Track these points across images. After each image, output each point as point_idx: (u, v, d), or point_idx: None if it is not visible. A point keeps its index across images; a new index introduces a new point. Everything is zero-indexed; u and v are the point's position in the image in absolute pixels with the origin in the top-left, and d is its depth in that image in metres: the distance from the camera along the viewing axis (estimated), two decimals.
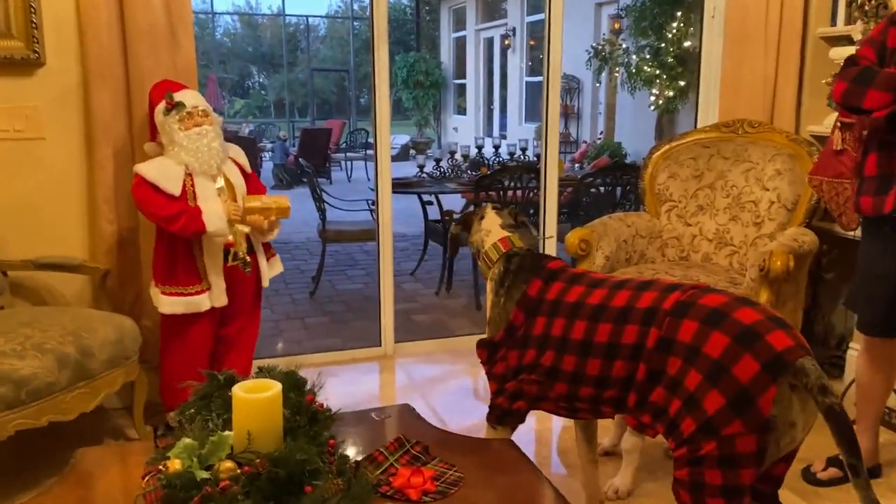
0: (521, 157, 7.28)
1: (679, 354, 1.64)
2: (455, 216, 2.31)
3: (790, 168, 3.27)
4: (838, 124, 2.71)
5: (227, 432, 1.34)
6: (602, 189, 5.85)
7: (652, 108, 8.31)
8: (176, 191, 2.68)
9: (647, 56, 8.16)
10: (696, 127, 3.93)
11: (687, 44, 7.75)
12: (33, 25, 2.85)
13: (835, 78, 3.29)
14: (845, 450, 1.51)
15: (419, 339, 4.12)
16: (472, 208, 2.34)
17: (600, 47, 9.23)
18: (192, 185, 2.72)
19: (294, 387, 1.55)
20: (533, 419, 3.25)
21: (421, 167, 6.34)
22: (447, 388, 3.56)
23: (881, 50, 2.31)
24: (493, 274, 2.11)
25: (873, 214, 2.32)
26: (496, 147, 7.07)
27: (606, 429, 2.79)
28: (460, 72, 16.27)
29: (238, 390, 1.37)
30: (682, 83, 7.77)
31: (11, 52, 2.84)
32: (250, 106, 20.30)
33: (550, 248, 4.06)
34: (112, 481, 1.63)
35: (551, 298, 1.93)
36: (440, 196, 5.85)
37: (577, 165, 8.78)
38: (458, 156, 6.64)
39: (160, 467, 1.29)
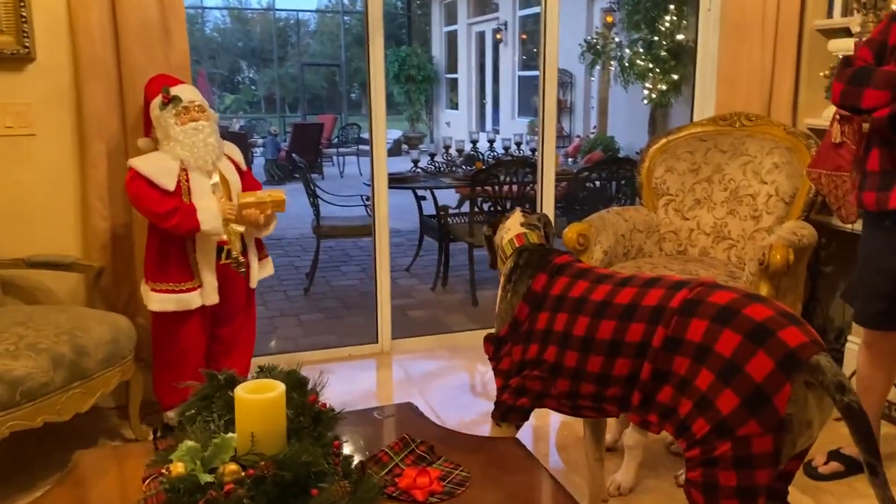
0: (517, 151, 7.26)
1: (687, 354, 1.60)
2: (487, 222, 2.31)
3: (788, 161, 3.26)
4: (837, 117, 2.70)
5: (230, 434, 1.31)
6: (597, 183, 5.84)
7: (645, 101, 8.30)
8: (170, 186, 2.65)
9: (640, 50, 8.14)
10: (691, 120, 3.92)
11: (680, 37, 7.73)
12: (23, 20, 2.81)
13: (832, 73, 3.30)
14: (864, 448, 1.48)
15: (415, 335, 4.09)
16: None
17: (593, 41, 9.20)
18: (187, 181, 2.70)
19: (296, 386, 1.52)
20: (532, 416, 3.23)
21: (415, 162, 6.31)
22: (445, 384, 3.54)
23: (880, 49, 2.31)
24: (505, 269, 2.10)
25: (877, 209, 2.32)
26: (491, 142, 7.04)
27: (609, 425, 2.77)
28: (452, 66, 16.22)
29: (241, 391, 1.35)
30: (675, 77, 7.76)
31: (1, 48, 2.80)
32: (240, 101, 20.18)
33: None
34: (111, 484, 1.60)
35: (555, 294, 1.91)
36: (434, 191, 5.83)
37: (570, 160, 8.77)
38: (452, 150, 6.61)
39: (162, 470, 1.26)
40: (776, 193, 3.25)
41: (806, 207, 3.20)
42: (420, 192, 5.83)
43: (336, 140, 14.06)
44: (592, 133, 10.30)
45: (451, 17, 16.08)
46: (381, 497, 1.38)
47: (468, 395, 3.46)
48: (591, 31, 9.86)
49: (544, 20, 3.80)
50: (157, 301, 2.73)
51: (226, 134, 8.05)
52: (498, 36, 13.60)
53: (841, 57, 3.22)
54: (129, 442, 2.88)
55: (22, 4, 2.80)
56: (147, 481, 1.45)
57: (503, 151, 7.26)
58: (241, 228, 2.77)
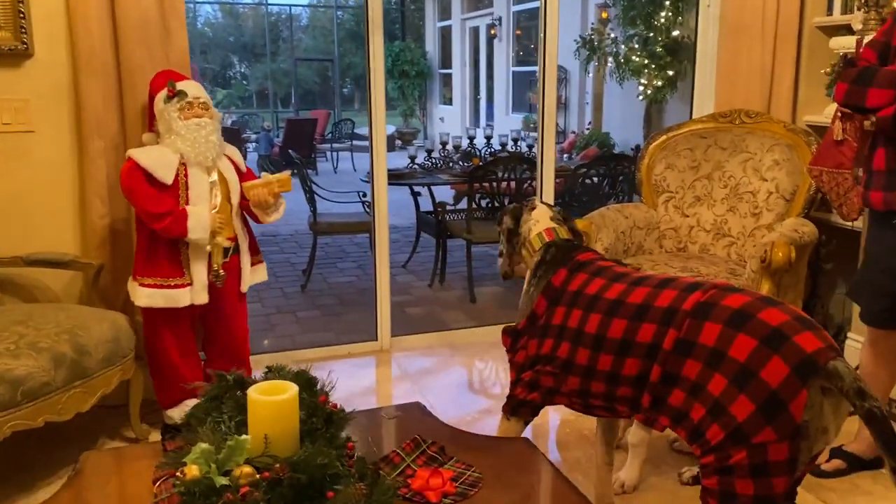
0: (514, 147, 7.24)
1: (699, 358, 1.58)
2: (507, 209, 2.29)
3: (788, 158, 3.26)
4: (839, 114, 2.70)
5: (243, 436, 1.30)
6: (595, 179, 5.83)
7: (640, 97, 8.30)
8: (168, 179, 2.65)
9: (636, 46, 8.14)
10: (691, 117, 3.92)
11: (675, 33, 7.73)
12: (21, 15, 2.78)
13: (833, 70, 3.31)
14: (888, 454, 1.44)
15: (413, 332, 4.08)
16: (516, 203, 2.30)
17: (589, 37, 9.19)
18: (186, 176, 2.68)
19: (305, 387, 1.51)
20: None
21: (412, 158, 6.29)
22: (445, 382, 3.54)
23: (884, 50, 2.33)
24: (532, 263, 2.09)
25: (884, 209, 2.32)
26: (488, 138, 7.02)
27: None
28: (446, 61, 16.18)
29: (254, 393, 1.33)
30: (670, 73, 7.76)
31: None
32: (232, 96, 20.09)
33: None
34: (120, 485, 1.59)
35: (572, 290, 1.90)
36: (423, 186, 5.82)
37: (565, 156, 8.76)
38: (449, 146, 6.59)
39: (176, 473, 1.25)
40: (776, 190, 3.25)
41: (806, 204, 3.21)
42: (416, 188, 5.81)
43: (329, 135, 14.01)
44: (587, 129, 10.30)
45: (444, 13, 16.03)
46: (396, 499, 1.37)
47: (469, 393, 3.46)
48: (586, 27, 9.85)
49: (544, 16, 3.78)
50: (145, 295, 2.71)
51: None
52: (492, 31, 13.57)
53: (842, 55, 3.23)
54: (129, 441, 2.87)
55: (20, 0, 2.76)
56: (158, 483, 1.44)
57: (499, 148, 7.24)
58: (226, 243, 2.77)
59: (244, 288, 2.92)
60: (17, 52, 2.80)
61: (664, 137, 3.60)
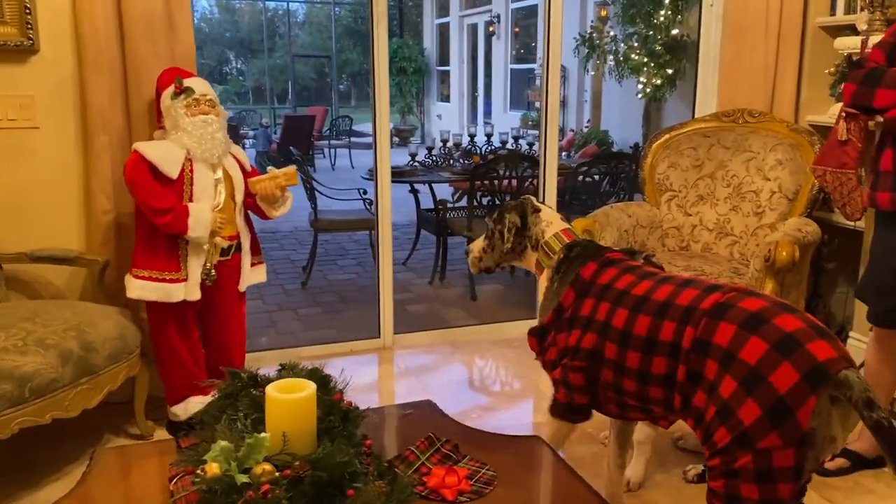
0: (514, 145, 7.24)
1: (715, 358, 1.58)
2: (496, 211, 2.28)
3: (791, 158, 3.28)
4: (843, 114, 2.71)
5: (262, 434, 1.30)
6: (597, 177, 5.84)
7: (639, 96, 8.30)
8: (174, 174, 2.65)
9: (636, 44, 8.14)
10: (693, 116, 3.93)
11: (675, 31, 7.74)
12: (27, 11, 2.77)
13: (837, 70, 3.32)
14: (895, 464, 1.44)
15: (414, 329, 4.09)
16: (513, 201, 2.28)
17: (588, 35, 9.20)
18: (191, 172, 2.68)
19: (320, 384, 1.51)
20: (530, 413, 3.25)
21: (413, 155, 6.29)
22: (448, 379, 3.55)
23: (892, 51, 2.34)
24: (553, 262, 2.08)
25: (891, 209, 2.34)
26: (488, 136, 7.02)
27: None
28: (444, 58, 16.17)
29: (272, 390, 1.34)
30: (669, 71, 7.76)
31: (4, 39, 2.76)
32: (228, 92, 20.04)
33: None
34: (135, 483, 1.59)
35: (602, 282, 1.90)
36: (424, 184, 5.82)
37: (563, 154, 8.77)
38: (450, 143, 6.59)
39: (197, 471, 1.25)
40: (779, 190, 3.27)
41: (809, 204, 3.23)
42: (414, 186, 5.82)
43: (327, 132, 13.99)
44: (586, 127, 10.31)
45: (443, 10, 16.01)
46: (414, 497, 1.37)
47: (472, 391, 3.47)
48: (585, 25, 9.85)
49: (548, 15, 3.78)
50: (138, 287, 2.70)
51: None
52: (490, 29, 13.56)
53: (846, 55, 3.25)
54: (134, 438, 2.87)
55: None
56: (174, 481, 1.44)
57: (500, 145, 7.24)
58: (224, 244, 2.77)
59: (242, 287, 2.92)
60: (22, 48, 2.79)
61: (667, 136, 3.61)
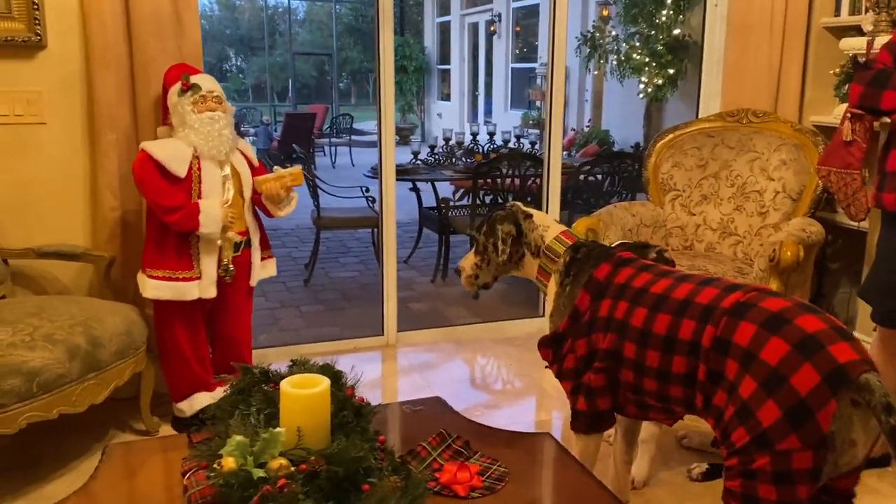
0: (516, 144, 7.25)
1: (735, 357, 1.57)
2: (488, 218, 2.22)
3: (795, 158, 3.29)
4: (848, 115, 2.72)
5: (277, 429, 1.31)
6: (599, 177, 5.86)
7: (641, 96, 8.31)
8: (182, 172, 2.65)
9: (637, 43, 8.15)
10: (697, 116, 3.94)
11: (676, 31, 7.75)
12: (35, 7, 2.77)
13: (843, 71, 3.33)
14: None
15: (416, 327, 4.09)
16: (499, 211, 2.18)
17: (590, 34, 9.20)
18: (199, 169, 2.69)
19: (332, 380, 1.52)
20: (532, 411, 3.26)
21: (415, 154, 6.30)
22: (452, 376, 3.56)
23: None
24: (559, 265, 2.03)
25: None
26: (491, 135, 7.03)
27: (619, 419, 2.79)
28: (444, 57, 16.17)
29: (287, 386, 1.35)
30: (671, 71, 7.77)
31: (12, 35, 2.77)
32: (229, 89, 20.02)
33: None
34: (147, 477, 1.59)
35: (619, 282, 1.87)
36: (424, 182, 5.83)
37: (564, 153, 8.77)
38: (452, 142, 6.60)
39: (214, 465, 1.26)
40: (783, 190, 3.28)
41: (813, 204, 3.24)
42: (410, 184, 5.82)
43: (327, 130, 13.98)
44: (587, 126, 10.31)
45: (444, 8, 16.00)
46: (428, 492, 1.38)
47: (476, 388, 3.49)
48: (586, 25, 9.85)
49: (553, 14, 3.79)
50: (153, 287, 2.71)
51: None
52: (492, 28, 13.56)
53: (851, 56, 3.25)
54: (140, 434, 2.87)
55: None
56: (188, 475, 1.45)
57: (501, 144, 7.25)
58: (237, 238, 2.77)
59: (253, 282, 2.93)
60: (30, 44, 2.80)
61: (672, 136, 3.62)
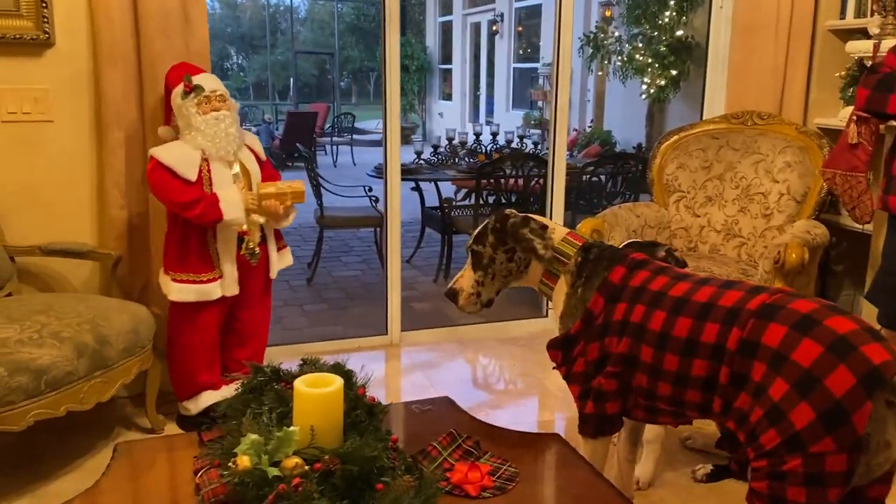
0: (519, 144, 7.26)
1: (763, 359, 1.55)
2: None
3: (800, 160, 3.29)
4: (854, 118, 2.73)
5: (292, 428, 1.31)
6: (602, 178, 5.86)
7: (643, 97, 8.32)
8: (192, 176, 2.64)
9: (640, 44, 8.16)
10: (702, 117, 3.94)
11: (679, 33, 7.75)
12: (43, 5, 2.78)
13: (848, 73, 3.34)
14: None
15: (419, 327, 4.10)
16: (492, 221, 2.09)
17: (593, 35, 9.21)
18: (209, 171, 2.68)
19: (344, 380, 1.52)
20: (535, 411, 3.27)
21: (419, 153, 6.30)
22: (455, 376, 3.56)
23: None
24: (570, 266, 1.98)
25: None
26: (494, 135, 7.04)
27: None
28: (446, 57, 16.17)
29: (300, 385, 1.35)
30: (674, 72, 7.78)
31: (20, 32, 2.77)
32: (229, 87, 19.98)
33: None
34: (159, 475, 1.60)
35: (635, 285, 1.83)
36: (425, 182, 5.83)
37: (566, 153, 8.78)
38: (455, 142, 6.60)
39: (229, 464, 1.26)
40: (788, 192, 3.28)
41: (817, 207, 3.24)
42: (413, 184, 5.83)
43: (329, 129, 13.99)
44: (589, 127, 10.32)
45: (446, 8, 16.01)
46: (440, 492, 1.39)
47: (480, 388, 3.50)
48: (588, 26, 9.86)
49: (558, 16, 3.80)
50: (178, 291, 2.72)
51: None
52: (494, 27, 13.57)
53: (858, 58, 3.26)
54: (145, 431, 2.88)
55: None
56: (200, 473, 1.45)
57: (504, 144, 7.26)
58: (261, 219, 2.76)
59: (273, 274, 2.93)
60: (38, 42, 2.80)
61: (676, 137, 3.63)
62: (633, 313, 1.80)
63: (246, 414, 1.46)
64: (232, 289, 2.77)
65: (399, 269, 3.85)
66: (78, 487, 2.26)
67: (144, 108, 2.94)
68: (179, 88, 2.70)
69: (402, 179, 5.45)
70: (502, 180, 5.19)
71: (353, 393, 1.46)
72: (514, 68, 13.30)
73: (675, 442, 2.80)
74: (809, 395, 1.47)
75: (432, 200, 5.89)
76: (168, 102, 2.78)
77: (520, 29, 13.15)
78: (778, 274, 2.84)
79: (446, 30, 16.02)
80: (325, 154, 12.91)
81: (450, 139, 6.57)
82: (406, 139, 13.58)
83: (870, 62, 2.55)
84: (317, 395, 1.34)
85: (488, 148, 6.87)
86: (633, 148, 8.16)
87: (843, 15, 3.54)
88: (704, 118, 3.85)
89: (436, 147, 6.37)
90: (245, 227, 2.73)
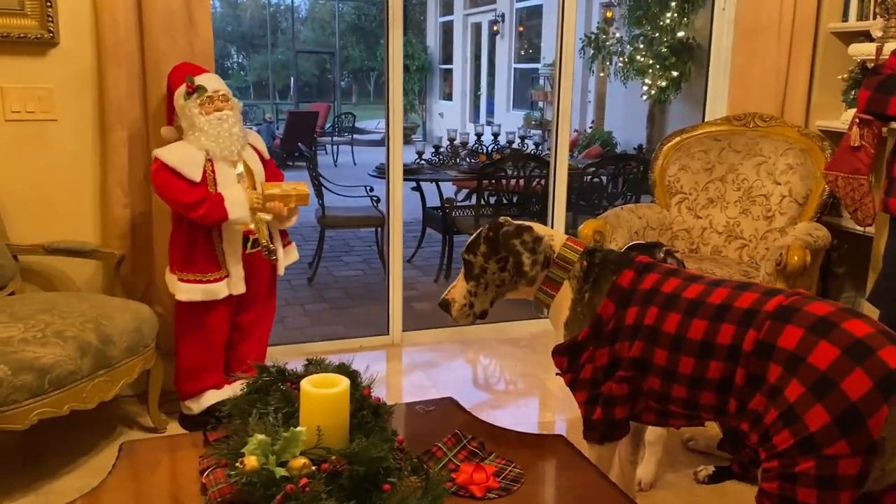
0: (520, 145, 7.26)
1: (779, 361, 1.55)
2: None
3: (802, 163, 3.30)
4: (856, 121, 2.74)
5: (299, 428, 1.32)
6: (604, 179, 5.87)
7: (644, 98, 8.33)
8: (197, 177, 2.64)
9: (641, 46, 8.17)
10: (703, 119, 3.95)
11: (681, 34, 7.76)
12: (47, 4, 2.78)
13: (851, 76, 3.35)
14: None
15: (420, 327, 4.10)
16: (485, 231, 2.04)
17: (594, 36, 9.22)
18: (213, 171, 2.69)
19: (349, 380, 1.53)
20: (536, 412, 3.27)
21: (420, 154, 6.31)
22: (457, 377, 3.57)
23: None
24: (575, 271, 1.94)
25: None
26: (495, 135, 7.04)
27: None
28: (447, 57, 16.18)
29: (307, 385, 1.36)
30: (675, 73, 7.79)
31: (25, 31, 2.77)
32: (230, 87, 20.01)
33: None
34: (165, 475, 1.60)
35: (646, 288, 1.81)
36: (426, 183, 5.83)
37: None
38: (456, 142, 6.61)
39: (236, 464, 1.27)
40: (789, 194, 3.29)
41: (819, 209, 3.25)
42: (412, 184, 5.83)
43: (329, 128, 13.99)
44: (590, 128, 10.33)
45: (447, 8, 16.02)
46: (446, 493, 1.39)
47: (482, 388, 3.50)
48: (589, 27, 9.87)
49: (561, 17, 3.80)
50: (185, 290, 2.73)
51: None
52: (495, 28, 13.57)
53: (860, 61, 3.27)
54: (147, 430, 2.88)
55: None
56: (206, 473, 1.46)
57: (505, 144, 7.27)
58: (268, 217, 2.76)
59: (280, 270, 2.93)
60: (42, 41, 2.80)
61: (678, 139, 3.64)
62: (645, 316, 1.78)
63: (252, 414, 1.47)
64: (239, 287, 2.77)
65: (400, 268, 3.86)
66: (81, 485, 2.29)
67: (148, 108, 2.94)
68: (182, 89, 2.70)
69: (404, 179, 5.47)
70: (503, 181, 5.19)
71: (359, 393, 1.46)
72: (514, 68, 13.31)
73: (677, 443, 2.81)
74: (825, 397, 1.47)
75: (433, 200, 5.89)
76: (171, 102, 2.78)
77: (521, 29, 13.16)
78: (780, 276, 2.84)
79: (447, 30, 16.02)
80: (326, 154, 12.91)
81: (451, 139, 6.57)
82: (407, 139, 13.58)
83: (872, 65, 2.56)
84: (324, 395, 1.35)
85: (489, 148, 6.87)
86: (634, 149, 8.17)
87: (845, 17, 3.55)
88: (706, 120, 3.86)
89: (437, 147, 6.37)
90: (251, 225, 2.73)
